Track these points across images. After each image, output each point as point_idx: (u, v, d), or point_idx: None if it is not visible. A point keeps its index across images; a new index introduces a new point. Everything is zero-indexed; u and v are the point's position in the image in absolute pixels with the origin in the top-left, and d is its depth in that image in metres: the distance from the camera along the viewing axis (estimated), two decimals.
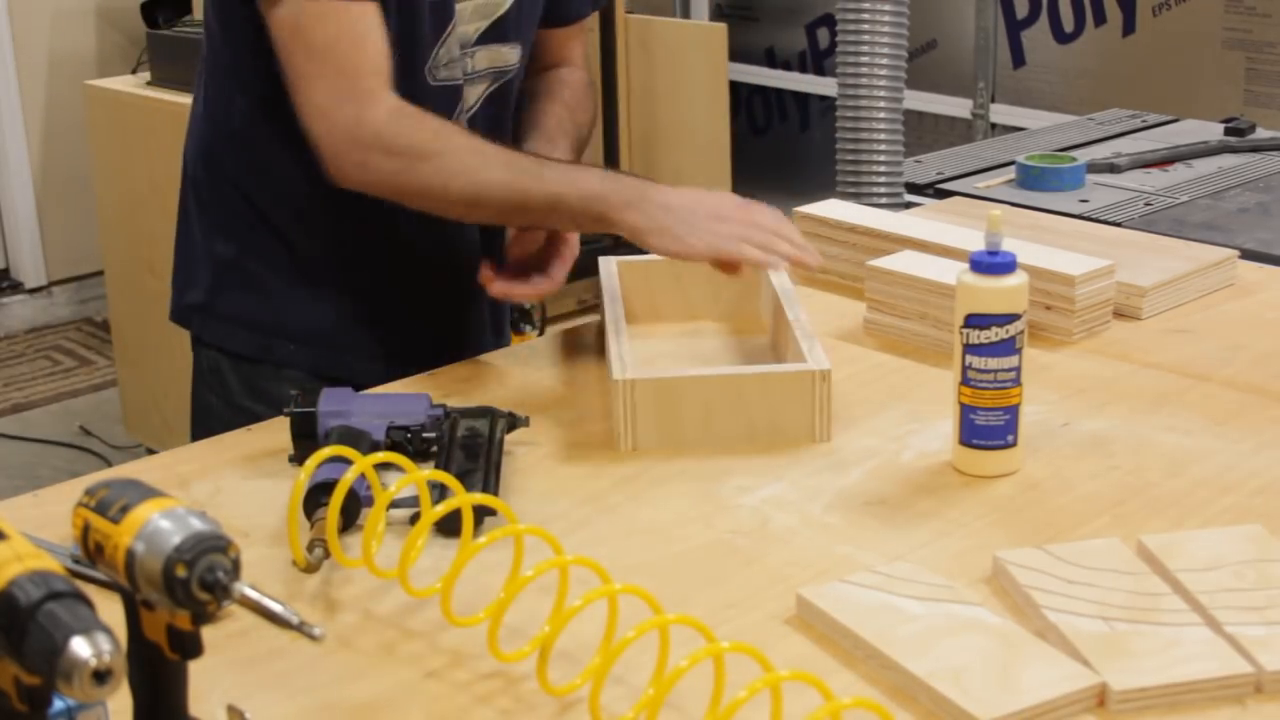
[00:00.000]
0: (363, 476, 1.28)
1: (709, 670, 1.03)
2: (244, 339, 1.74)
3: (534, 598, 1.13)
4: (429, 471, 1.26)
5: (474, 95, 1.74)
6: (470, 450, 1.42)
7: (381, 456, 1.28)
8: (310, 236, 1.72)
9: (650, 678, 1.07)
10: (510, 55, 1.75)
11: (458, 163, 1.58)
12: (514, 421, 1.50)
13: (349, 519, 1.32)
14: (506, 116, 1.80)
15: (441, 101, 1.67)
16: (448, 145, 1.58)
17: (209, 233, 1.76)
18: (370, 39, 1.57)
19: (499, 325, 1.89)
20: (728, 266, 1.60)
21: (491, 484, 1.38)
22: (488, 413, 1.49)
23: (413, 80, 1.64)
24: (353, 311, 1.74)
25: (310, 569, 1.27)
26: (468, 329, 1.83)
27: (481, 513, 1.30)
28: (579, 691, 1.10)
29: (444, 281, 1.78)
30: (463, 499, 1.21)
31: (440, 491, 1.28)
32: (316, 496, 1.30)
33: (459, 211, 1.62)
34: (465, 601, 1.17)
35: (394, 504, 1.26)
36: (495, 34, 1.71)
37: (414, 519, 1.33)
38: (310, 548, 1.27)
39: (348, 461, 1.26)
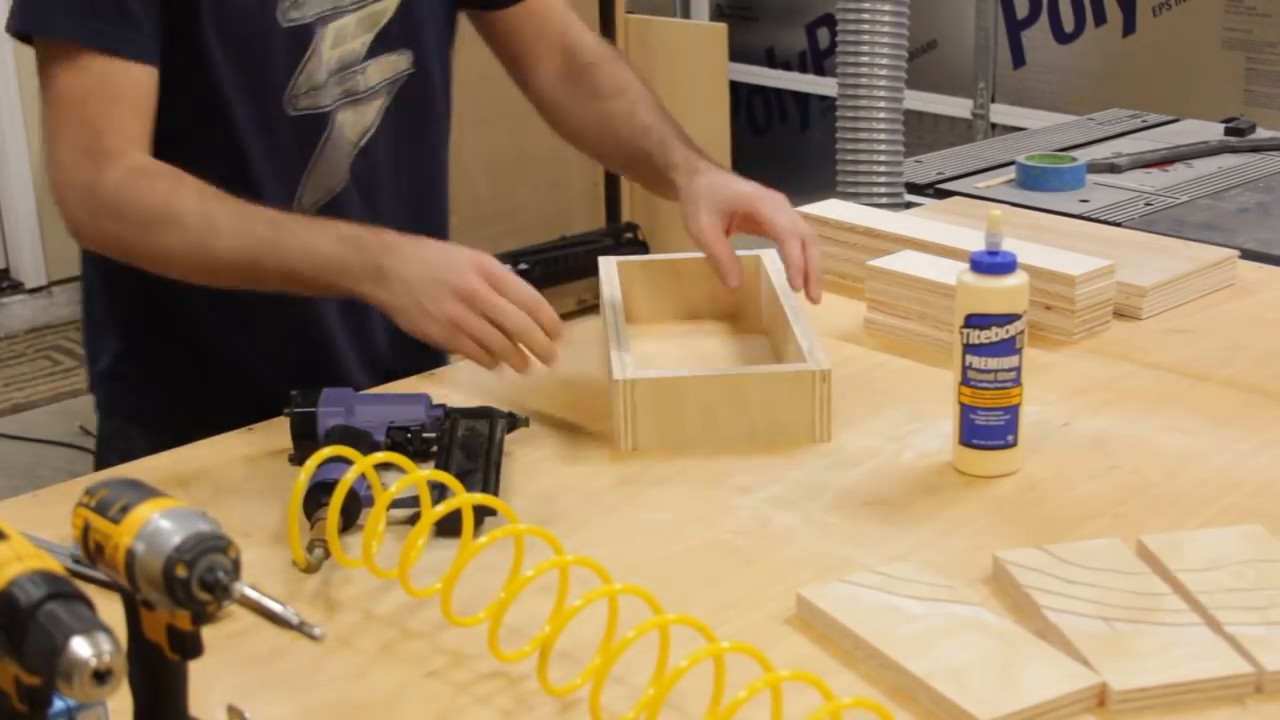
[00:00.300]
0: (363, 476, 1.28)
1: (709, 670, 1.03)
2: (154, 404, 1.70)
3: (534, 598, 1.13)
4: (429, 471, 1.26)
5: (370, 114, 1.65)
6: (470, 451, 1.42)
7: (382, 457, 1.28)
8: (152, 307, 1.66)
9: (650, 678, 1.07)
10: (402, 62, 1.66)
11: (187, 232, 1.47)
12: (514, 422, 1.50)
13: (349, 519, 1.32)
14: (427, 121, 1.72)
15: (303, 131, 1.60)
16: (178, 212, 1.47)
17: (101, 304, 1.71)
18: (131, 100, 1.48)
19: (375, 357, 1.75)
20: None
21: (492, 484, 1.38)
22: (488, 413, 1.49)
23: (267, 113, 1.57)
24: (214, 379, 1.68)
25: (310, 569, 1.27)
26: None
27: (481, 513, 1.30)
28: (579, 691, 1.10)
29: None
30: (463, 499, 1.21)
31: (440, 492, 1.28)
32: (316, 496, 1.30)
33: (197, 279, 1.51)
34: (465, 601, 1.17)
35: (394, 504, 1.26)
36: (384, 44, 1.64)
37: (414, 519, 1.33)
38: (310, 548, 1.27)
39: (348, 462, 1.26)
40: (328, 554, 1.27)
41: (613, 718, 1.06)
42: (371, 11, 1.61)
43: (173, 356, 1.68)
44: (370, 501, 1.30)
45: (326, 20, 1.58)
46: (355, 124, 1.64)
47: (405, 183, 1.72)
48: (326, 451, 1.26)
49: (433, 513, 1.20)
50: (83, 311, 1.75)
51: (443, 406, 1.50)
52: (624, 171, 1.82)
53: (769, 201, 1.60)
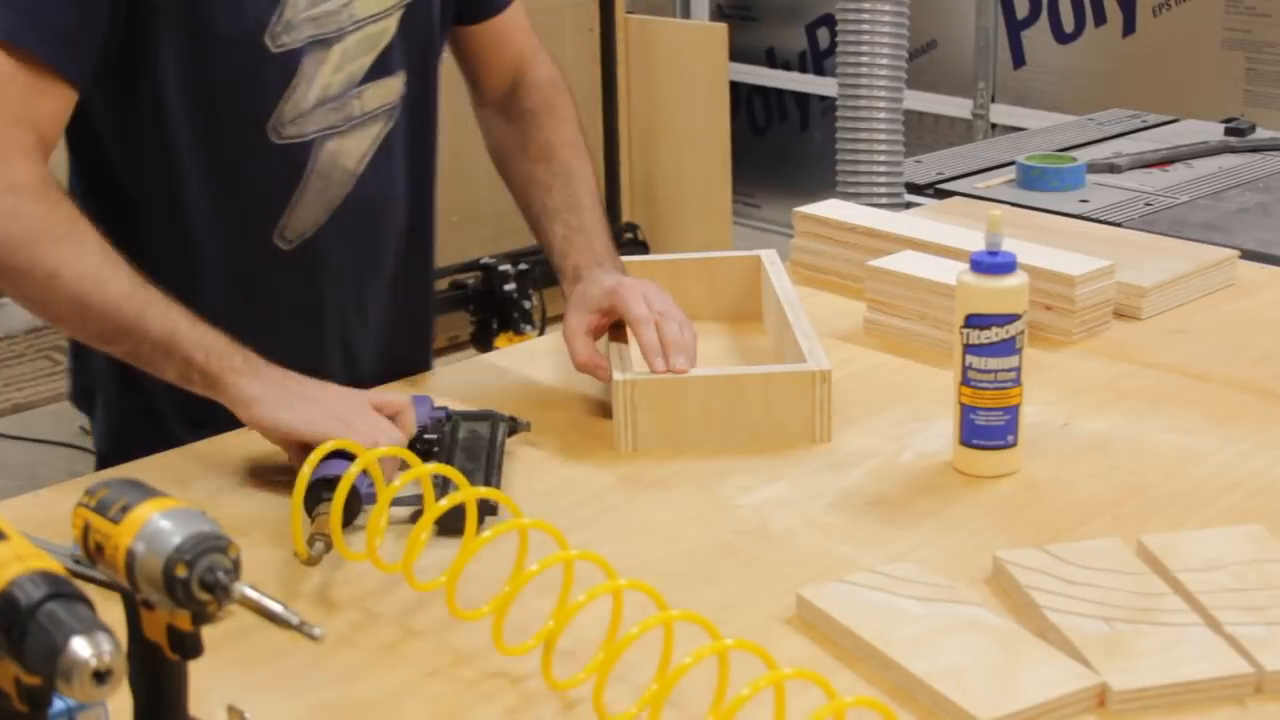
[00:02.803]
0: (365, 474, 1.28)
1: (711, 668, 1.03)
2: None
3: (537, 596, 1.13)
4: (433, 465, 1.25)
5: (365, 141, 1.58)
6: (471, 452, 1.42)
7: (385, 451, 1.27)
8: None
9: (653, 674, 1.07)
10: (396, 87, 1.60)
11: (84, 257, 1.37)
12: (515, 425, 1.49)
13: (348, 517, 1.32)
14: (424, 141, 1.67)
15: (288, 162, 1.54)
16: (82, 237, 1.38)
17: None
18: (53, 95, 1.39)
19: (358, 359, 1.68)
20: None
21: (494, 485, 1.38)
22: (489, 416, 1.49)
23: (252, 139, 1.51)
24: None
25: (311, 562, 1.27)
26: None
27: (484, 511, 1.30)
28: (581, 689, 1.10)
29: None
30: (467, 493, 1.21)
31: (444, 487, 1.28)
32: (317, 492, 1.30)
33: (59, 311, 1.40)
34: (469, 597, 1.17)
35: (395, 501, 1.26)
36: (382, 66, 1.57)
37: (415, 517, 1.33)
38: (310, 542, 1.27)
39: (349, 457, 1.26)
40: (328, 548, 1.27)
41: (616, 715, 1.06)
42: (370, 33, 1.55)
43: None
44: (371, 499, 1.30)
45: (324, 44, 1.51)
46: (353, 151, 1.58)
47: (405, 204, 1.67)
48: (329, 445, 1.26)
49: (438, 506, 1.19)
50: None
51: (445, 409, 1.50)
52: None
53: (623, 292, 1.58)
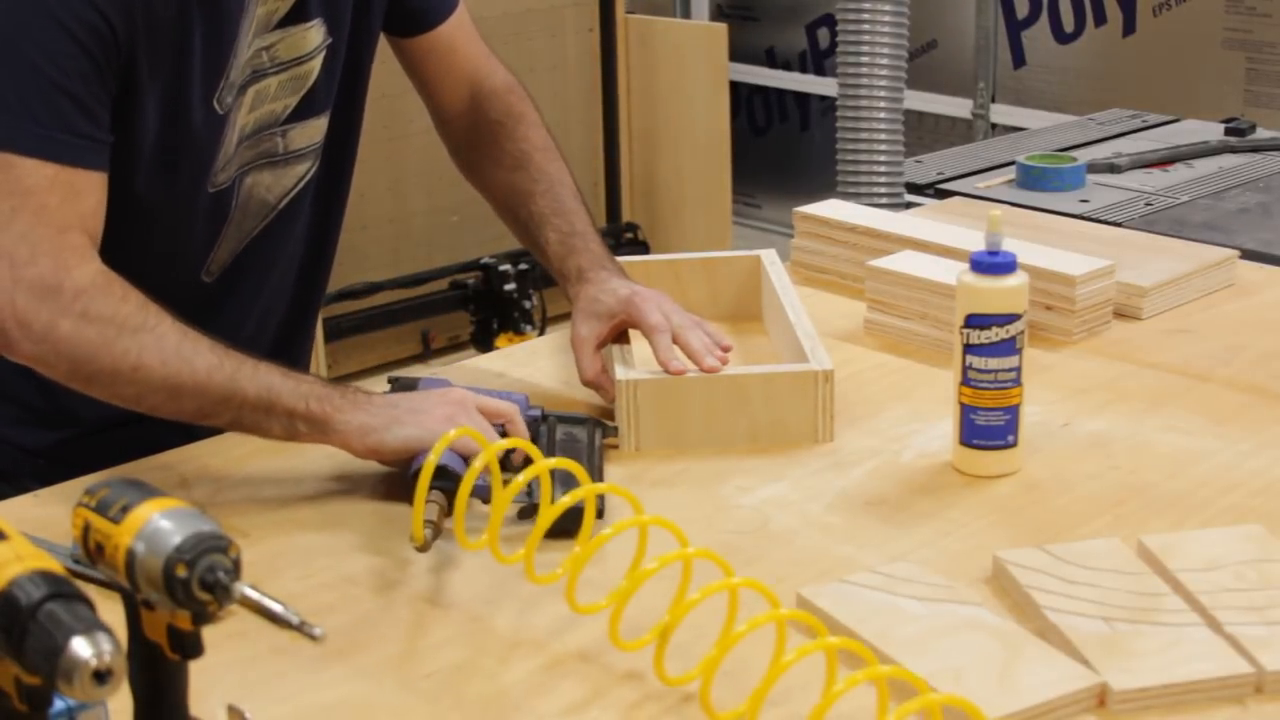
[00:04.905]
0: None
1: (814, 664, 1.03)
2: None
3: (647, 589, 1.13)
4: (555, 460, 1.21)
5: (290, 177, 1.57)
6: (569, 454, 1.40)
7: (509, 443, 1.25)
8: None
9: (763, 674, 1.06)
10: (321, 127, 1.58)
11: (164, 341, 1.35)
12: (607, 430, 1.49)
13: (450, 504, 1.30)
14: (340, 180, 1.66)
15: (218, 205, 1.52)
16: (157, 321, 1.36)
17: None
18: (90, 193, 1.37)
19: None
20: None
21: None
22: (584, 420, 1.49)
23: (192, 193, 1.49)
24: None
25: (424, 548, 1.26)
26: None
27: (597, 514, 1.28)
28: (678, 690, 1.10)
29: None
30: (588, 489, 1.19)
31: (562, 485, 1.28)
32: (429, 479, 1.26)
33: (154, 401, 1.38)
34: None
35: (476, 492, 1.25)
36: (308, 107, 1.55)
37: (522, 513, 1.33)
38: (423, 527, 1.26)
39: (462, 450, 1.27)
40: (437, 534, 1.28)
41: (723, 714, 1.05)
42: (295, 75, 1.52)
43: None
44: (476, 492, 1.27)
45: (244, 88, 1.49)
46: (274, 186, 1.56)
47: (315, 228, 1.66)
48: (457, 432, 1.25)
49: (561, 501, 1.18)
50: None
51: (540, 408, 1.49)
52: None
53: (639, 302, 1.58)
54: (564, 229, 1.68)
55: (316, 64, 1.54)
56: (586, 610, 1.16)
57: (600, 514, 1.31)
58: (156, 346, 1.35)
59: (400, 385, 1.49)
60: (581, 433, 1.47)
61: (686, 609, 1.09)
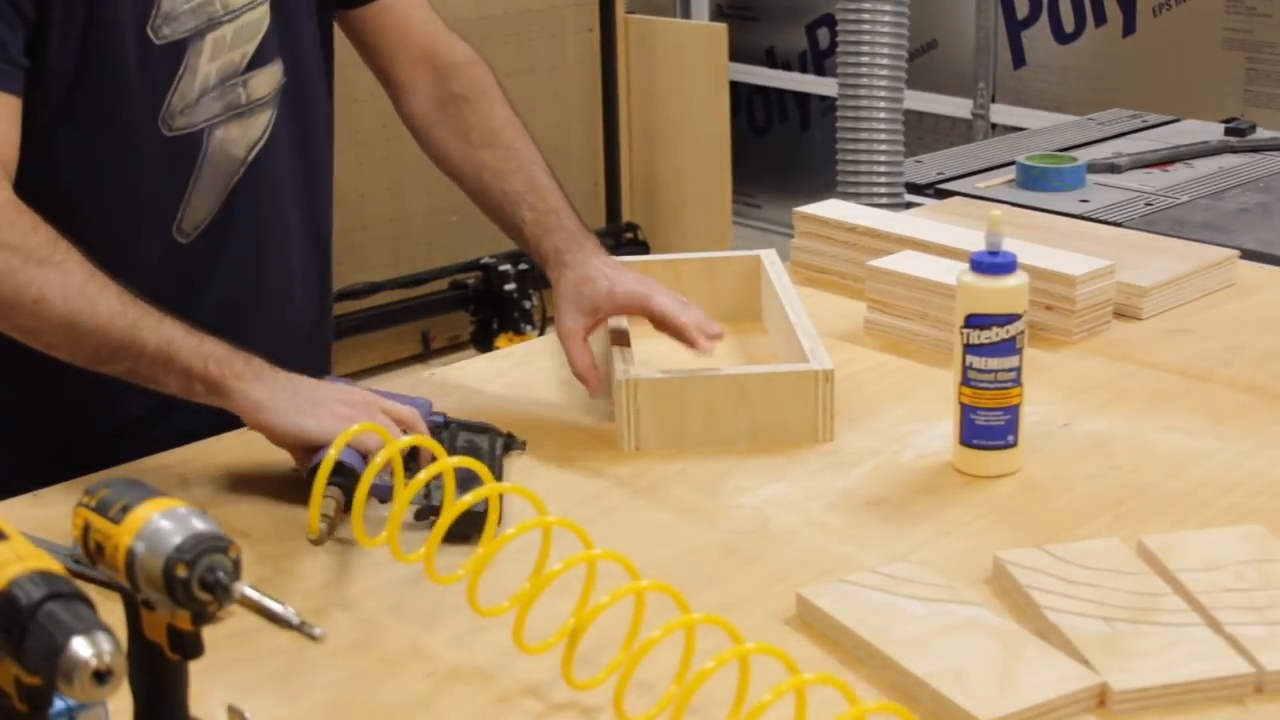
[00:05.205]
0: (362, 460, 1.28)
1: (730, 671, 1.03)
2: None
3: (555, 595, 1.12)
4: (458, 459, 1.21)
5: (256, 128, 1.56)
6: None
7: (411, 440, 1.24)
8: None
9: (673, 677, 1.06)
10: (276, 75, 1.57)
11: (69, 278, 1.34)
12: (511, 442, 1.49)
13: (348, 499, 1.31)
14: (310, 133, 1.64)
15: (180, 153, 1.51)
16: (64, 257, 1.35)
17: None
18: (1, 119, 1.37)
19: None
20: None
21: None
22: (487, 429, 1.48)
23: (144, 134, 1.48)
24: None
25: (319, 541, 1.27)
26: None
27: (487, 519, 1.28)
28: (597, 693, 1.10)
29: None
30: (491, 488, 1.19)
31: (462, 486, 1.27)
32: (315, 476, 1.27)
33: (51, 337, 1.36)
34: (482, 598, 1.16)
35: (375, 491, 1.26)
36: (262, 55, 1.55)
37: (419, 514, 1.33)
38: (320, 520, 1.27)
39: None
40: (333, 529, 1.28)
41: (636, 717, 1.05)
42: (247, 21, 1.53)
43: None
44: (376, 492, 1.29)
45: (200, 34, 1.49)
46: (240, 139, 1.55)
47: (296, 195, 1.64)
48: (358, 428, 1.24)
49: (460, 502, 1.17)
50: None
51: (443, 414, 1.49)
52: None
53: (648, 294, 1.58)
54: (538, 207, 1.65)
55: (265, 9, 1.54)
56: (489, 613, 1.15)
57: (499, 519, 1.30)
58: (61, 282, 1.33)
59: None
60: (483, 441, 1.46)
61: (594, 613, 1.08)
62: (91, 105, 1.45)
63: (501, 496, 1.33)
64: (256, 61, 1.54)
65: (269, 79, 1.57)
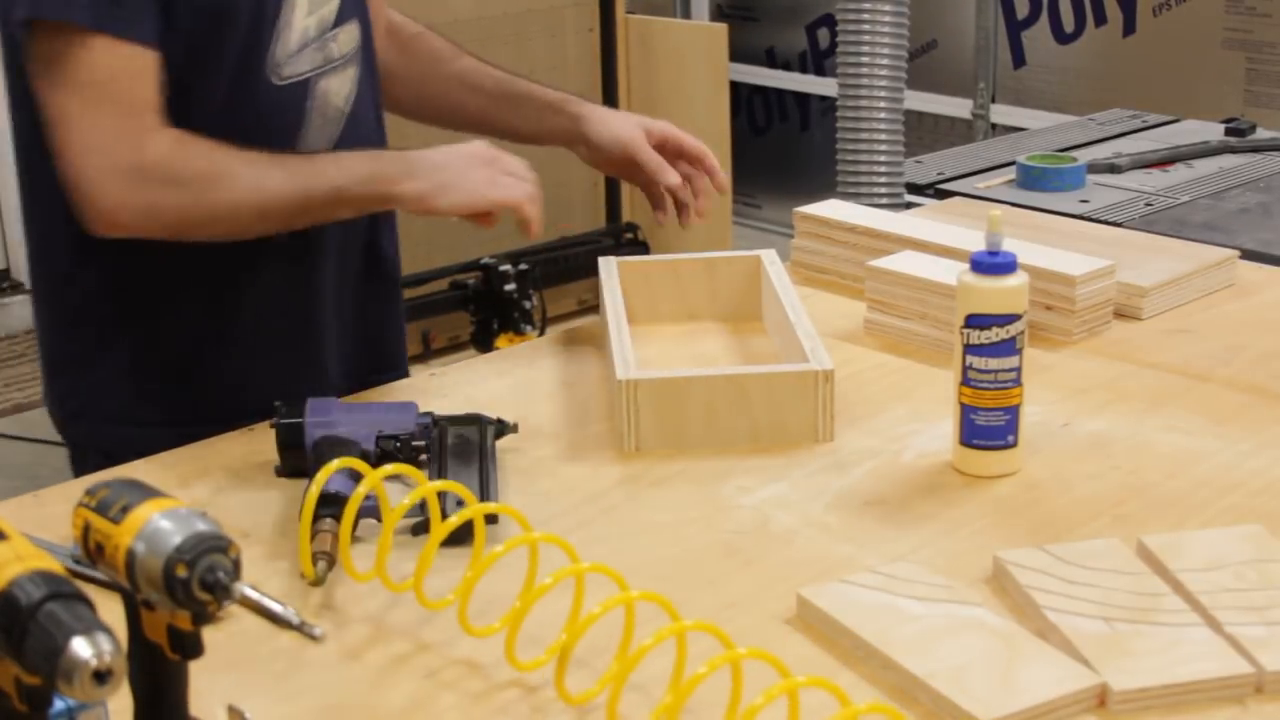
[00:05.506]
0: (349, 479, 1.28)
1: (724, 675, 1.03)
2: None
3: (548, 604, 1.12)
4: (440, 483, 1.24)
5: (348, 81, 1.65)
6: (462, 457, 1.41)
7: (391, 469, 1.25)
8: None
9: (668, 684, 1.06)
10: (355, 33, 1.66)
11: (240, 179, 1.51)
12: (502, 428, 1.49)
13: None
14: (378, 89, 1.75)
15: (290, 100, 1.60)
16: (227, 163, 1.51)
17: (52, 329, 1.69)
18: (149, 73, 1.49)
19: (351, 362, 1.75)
20: (486, 218, 1.60)
21: (491, 493, 1.37)
22: (476, 420, 1.48)
23: (254, 81, 1.57)
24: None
25: (317, 582, 1.27)
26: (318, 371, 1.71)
27: (488, 520, 1.29)
28: (594, 699, 1.10)
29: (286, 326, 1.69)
30: (475, 509, 1.20)
31: (446, 501, 1.28)
32: (314, 509, 1.28)
33: (245, 228, 1.55)
34: (478, 611, 1.17)
35: (366, 511, 1.26)
36: (344, 13, 1.64)
37: (416, 529, 1.33)
38: (314, 561, 1.27)
39: (352, 474, 1.26)
40: (331, 566, 1.27)
41: None
42: None
43: (155, 358, 1.64)
44: (367, 513, 1.29)
45: None
46: (339, 91, 1.64)
47: (379, 146, 1.73)
48: (336, 464, 1.24)
49: (446, 524, 1.19)
50: (44, 321, 1.69)
51: (430, 414, 1.49)
52: (483, 126, 1.85)
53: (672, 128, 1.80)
54: (527, 79, 1.85)
55: None
56: (481, 633, 1.16)
57: (494, 519, 1.31)
58: (237, 186, 1.51)
59: (285, 413, 1.46)
60: (473, 432, 1.46)
61: (584, 627, 1.08)
62: (209, 58, 1.54)
63: (493, 499, 1.34)
64: (340, 19, 1.64)
65: (350, 36, 1.65)
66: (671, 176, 1.75)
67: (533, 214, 1.57)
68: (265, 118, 1.59)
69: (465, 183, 1.56)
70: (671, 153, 1.78)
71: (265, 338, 1.66)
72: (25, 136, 1.58)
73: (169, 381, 1.64)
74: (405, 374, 1.78)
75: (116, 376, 1.64)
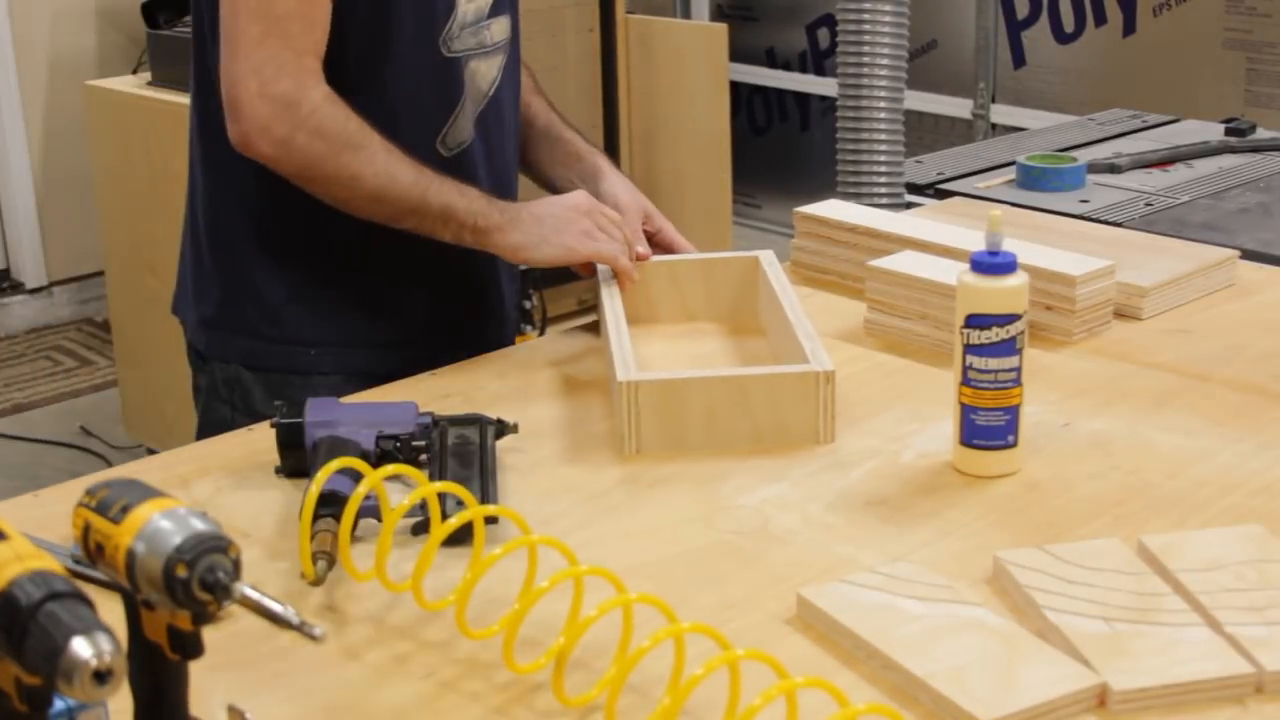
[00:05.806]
0: (348, 479, 1.28)
1: (722, 676, 1.03)
2: (263, 352, 1.77)
3: (546, 605, 1.12)
4: (440, 484, 1.24)
5: (494, 68, 1.78)
6: (463, 458, 1.41)
7: (391, 470, 1.25)
8: (321, 241, 1.75)
9: (665, 686, 1.06)
10: (506, 25, 1.79)
11: (375, 157, 1.62)
12: (502, 428, 1.49)
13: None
14: (518, 85, 1.86)
15: (450, 74, 1.72)
16: (370, 140, 1.63)
17: (217, 251, 1.78)
18: (321, 25, 1.61)
19: (508, 314, 1.98)
20: (586, 267, 1.75)
21: (491, 493, 1.37)
22: (476, 420, 1.48)
23: (426, 51, 1.69)
24: (369, 308, 1.78)
25: (317, 581, 1.27)
26: (487, 312, 1.92)
27: (487, 521, 1.29)
28: (593, 700, 1.10)
29: (461, 267, 1.81)
30: (475, 511, 1.20)
31: (443, 501, 1.28)
32: (314, 508, 1.28)
33: (359, 205, 1.66)
34: (476, 612, 1.16)
35: (366, 512, 1.26)
36: (499, 6, 1.76)
37: (416, 528, 1.33)
38: (314, 560, 1.27)
39: (352, 474, 1.26)
40: (331, 565, 1.27)
41: None
42: None
43: (330, 287, 1.77)
44: (367, 512, 1.29)
45: None
46: (486, 74, 1.76)
47: (512, 136, 1.86)
48: (336, 464, 1.24)
49: (445, 525, 1.19)
50: (191, 256, 1.81)
51: (430, 414, 1.49)
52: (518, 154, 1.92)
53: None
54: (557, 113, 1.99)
55: None
56: (479, 636, 1.16)
57: (494, 519, 1.31)
58: (370, 161, 1.62)
59: (285, 413, 1.46)
60: (473, 432, 1.46)
61: (580, 630, 1.08)
62: (392, 21, 1.67)
63: (494, 500, 1.34)
64: (495, 11, 1.76)
65: (501, 28, 1.78)
66: (625, 263, 1.77)
67: (624, 267, 1.73)
68: (434, 85, 1.71)
69: (561, 237, 1.68)
70: (657, 239, 1.86)
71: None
72: (206, 123, 1.72)
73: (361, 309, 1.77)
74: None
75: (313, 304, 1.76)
